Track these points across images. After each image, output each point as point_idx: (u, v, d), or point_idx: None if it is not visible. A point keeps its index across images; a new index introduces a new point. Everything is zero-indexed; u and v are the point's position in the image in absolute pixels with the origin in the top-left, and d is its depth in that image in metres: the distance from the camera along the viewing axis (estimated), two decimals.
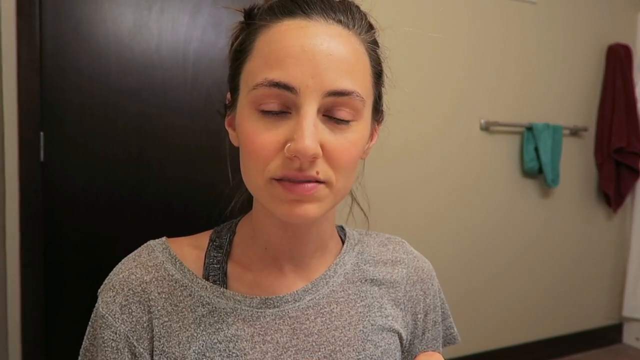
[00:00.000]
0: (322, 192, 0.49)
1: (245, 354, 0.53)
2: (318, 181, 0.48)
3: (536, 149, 2.42)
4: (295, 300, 0.57)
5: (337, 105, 0.48)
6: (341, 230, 0.67)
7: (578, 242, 2.70)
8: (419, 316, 0.66)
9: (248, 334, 0.54)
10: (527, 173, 2.49)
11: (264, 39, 0.49)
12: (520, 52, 2.42)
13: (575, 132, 2.64)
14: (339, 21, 0.49)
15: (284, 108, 0.47)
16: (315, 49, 0.46)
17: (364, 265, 0.63)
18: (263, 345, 0.54)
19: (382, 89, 0.58)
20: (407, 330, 0.64)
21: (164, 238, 0.60)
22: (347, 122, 0.49)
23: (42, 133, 1.59)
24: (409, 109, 2.19)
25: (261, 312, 0.55)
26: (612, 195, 2.69)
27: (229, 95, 0.57)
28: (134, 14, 1.66)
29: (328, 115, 0.48)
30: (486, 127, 2.35)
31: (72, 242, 1.65)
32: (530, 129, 2.42)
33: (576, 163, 2.66)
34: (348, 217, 0.71)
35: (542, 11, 2.46)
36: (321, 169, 0.48)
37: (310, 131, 0.45)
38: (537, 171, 2.45)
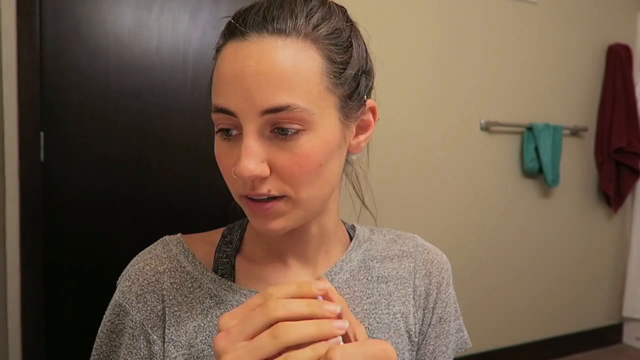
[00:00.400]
0: (282, 208, 0.50)
1: None
2: (273, 197, 0.49)
3: (536, 149, 2.43)
4: None
5: (279, 120, 0.47)
6: (352, 229, 0.67)
7: (578, 242, 2.70)
8: (426, 311, 0.65)
9: None
10: (527, 173, 2.49)
11: (216, 65, 0.52)
12: (520, 52, 2.42)
13: (575, 132, 2.64)
14: (274, 31, 0.48)
15: (233, 128, 0.50)
16: (243, 71, 0.47)
17: (371, 262, 0.63)
18: None
19: (362, 75, 0.54)
20: (417, 326, 0.64)
21: (179, 234, 0.63)
22: (294, 134, 0.48)
23: (42, 133, 1.59)
24: (409, 109, 2.19)
25: None
26: (612, 195, 2.69)
27: None
28: (134, 14, 1.66)
29: (275, 130, 0.48)
30: (486, 127, 2.35)
31: (72, 242, 1.65)
32: (530, 129, 2.42)
33: (576, 163, 2.66)
34: (358, 219, 0.71)
35: (542, 11, 2.46)
36: (273, 186, 0.49)
37: (248, 152, 0.47)
38: (537, 171, 2.45)
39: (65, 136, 1.62)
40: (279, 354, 0.39)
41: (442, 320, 0.66)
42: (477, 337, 2.40)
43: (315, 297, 0.42)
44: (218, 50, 0.52)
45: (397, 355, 0.60)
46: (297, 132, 0.48)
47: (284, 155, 0.48)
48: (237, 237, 0.62)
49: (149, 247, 0.61)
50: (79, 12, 1.60)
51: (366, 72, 0.55)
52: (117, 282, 0.60)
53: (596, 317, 2.80)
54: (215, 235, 0.63)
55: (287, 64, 0.47)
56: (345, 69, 0.51)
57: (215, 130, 0.52)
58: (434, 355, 0.64)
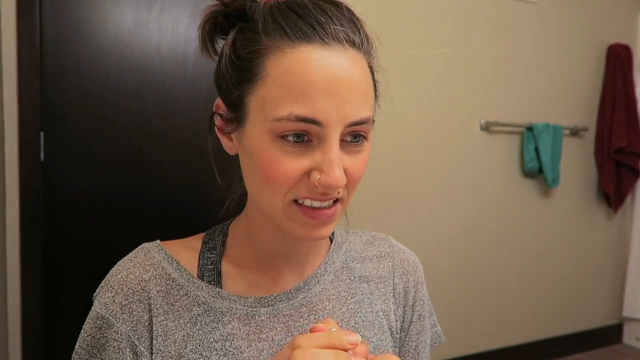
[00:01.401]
0: (338, 211, 0.52)
1: (241, 352, 0.54)
2: (336, 200, 0.51)
3: (536, 149, 2.43)
4: (289, 299, 0.58)
5: (355, 131, 0.50)
6: None
7: (578, 242, 2.70)
8: (407, 309, 0.67)
9: (244, 332, 0.55)
10: (527, 173, 2.49)
11: (281, 66, 0.47)
12: (520, 52, 2.42)
13: (575, 132, 2.64)
14: (353, 43, 0.49)
15: (307, 138, 0.48)
16: (338, 82, 0.46)
17: (352, 262, 0.65)
18: (259, 343, 0.55)
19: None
20: (398, 323, 0.66)
21: (157, 240, 0.60)
22: (360, 143, 0.51)
23: (42, 133, 1.59)
24: (409, 109, 2.19)
25: (256, 311, 0.57)
26: (612, 195, 2.69)
27: (220, 102, 0.56)
28: (134, 14, 1.66)
29: (345, 140, 0.50)
30: (486, 127, 2.35)
31: (72, 242, 1.65)
32: (530, 129, 2.42)
33: (576, 163, 2.66)
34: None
35: (542, 11, 2.46)
36: (341, 189, 0.51)
37: (338, 163, 0.47)
38: (537, 171, 2.45)
39: (65, 136, 1.62)
40: None
41: (421, 317, 0.69)
42: (477, 337, 2.40)
43: (345, 350, 0.42)
44: (272, 47, 0.47)
45: (383, 352, 0.61)
46: (362, 142, 0.51)
47: (352, 161, 0.50)
48: (220, 242, 0.60)
49: (128, 255, 0.59)
50: (79, 12, 1.60)
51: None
52: (95, 294, 0.57)
53: (596, 317, 2.80)
54: (196, 241, 0.61)
55: (365, 78, 0.50)
56: (376, 87, 0.56)
57: (278, 134, 0.47)
58: (417, 350, 0.67)
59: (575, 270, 2.70)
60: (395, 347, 0.65)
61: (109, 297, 0.54)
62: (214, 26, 0.53)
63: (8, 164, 1.55)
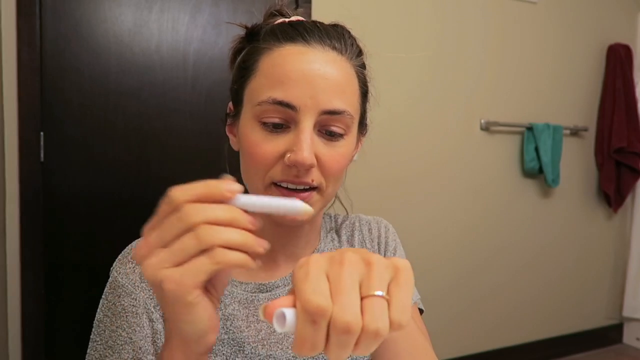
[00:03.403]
0: (315, 198, 0.57)
1: (241, 331, 0.60)
2: (312, 187, 0.56)
3: (536, 149, 2.42)
4: (285, 285, 0.64)
5: (330, 122, 0.55)
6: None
7: (578, 242, 2.70)
8: None
9: (243, 314, 0.61)
10: (527, 173, 2.49)
11: (268, 61, 0.56)
12: (520, 52, 2.42)
13: (575, 132, 2.64)
14: (334, 47, 0.56)
15: (284, 122, 0.54)
16: (313, 73, 0.53)
17: (338, 245, 0.72)
18: (257, 324, 0.61)
19: (367, 105, 0.65)
20: None
21: None
22: (338, 136, 0.56)
23: (42, 133, 1.59)
24: (409, 110, 2.19)
25: (255, 296, 0.62)
26: (612, 195, 2.69)
27: (230, 105, 0.63)
28: (134, 14, 1.66)
29: (322, 131, 0.55)
30: (486, 127, 2.35)
31: (72, 242, 1.65)
32: (530, 129, 2.42)
33: (576, 163, 2.66)
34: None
35: (542, 11, 2.46)
36: (315, 177, 0.55)
37: (308, 144, 0.52)
38: (538, 171, 2.45)
39: (65, 136, 1.62)
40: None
41: None
42: (477, 337, 2.40)
43: (225, 199, 0.39)
44: (265, 48, 0.56)
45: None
46: (340, 135, 0.56)
47: (327, 152, 0.56)
48: None
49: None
50: (79, 12, 1.60)
51: (368, 100, 0.65)
52: (112, 268, 0.61)
53: (596, 317, 2.80)
54: None
55: (344, 76, 0.56)
56: (366, 94, 0.62)
57: (261, 121, 0.54)
58: None
59: (575, 271, 2.70)
60: None
61: (130, 268, 0.60)
62: (240, 48, 0.63)
63: (8, 164, 1.55)
